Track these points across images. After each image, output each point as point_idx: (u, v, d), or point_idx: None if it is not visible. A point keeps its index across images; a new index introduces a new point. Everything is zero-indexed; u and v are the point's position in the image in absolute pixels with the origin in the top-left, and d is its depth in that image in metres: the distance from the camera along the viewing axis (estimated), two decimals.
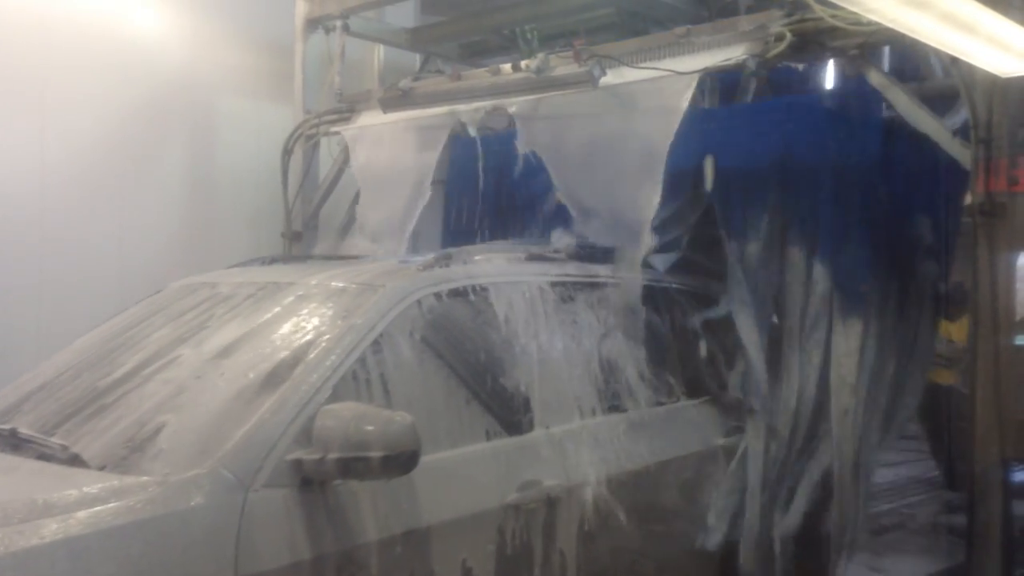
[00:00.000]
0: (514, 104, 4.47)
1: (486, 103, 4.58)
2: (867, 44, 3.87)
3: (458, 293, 3.22)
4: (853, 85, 4.07)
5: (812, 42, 3.92)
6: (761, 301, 4.11)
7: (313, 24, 6.00)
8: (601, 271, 3.84)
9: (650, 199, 3.88)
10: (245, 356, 2.86)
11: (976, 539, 3.62)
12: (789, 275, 4.12)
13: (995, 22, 3.21)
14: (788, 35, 3.87)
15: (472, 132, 4.89)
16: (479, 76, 4.64)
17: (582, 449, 3.29)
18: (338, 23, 5.79)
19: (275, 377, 2.70)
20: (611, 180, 4.03)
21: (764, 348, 4.07)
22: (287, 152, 5.91)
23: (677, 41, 4.17)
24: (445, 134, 4.91)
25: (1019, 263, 3.70)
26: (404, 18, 6.90)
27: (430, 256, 3.37)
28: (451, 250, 3.44)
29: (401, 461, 2.47)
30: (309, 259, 3.84)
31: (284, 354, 2.80)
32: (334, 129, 5.63)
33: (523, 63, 4.36)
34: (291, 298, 3.15)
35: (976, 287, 3.59)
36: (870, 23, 3.67)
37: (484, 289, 3.30)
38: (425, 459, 2.67)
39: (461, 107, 4.73)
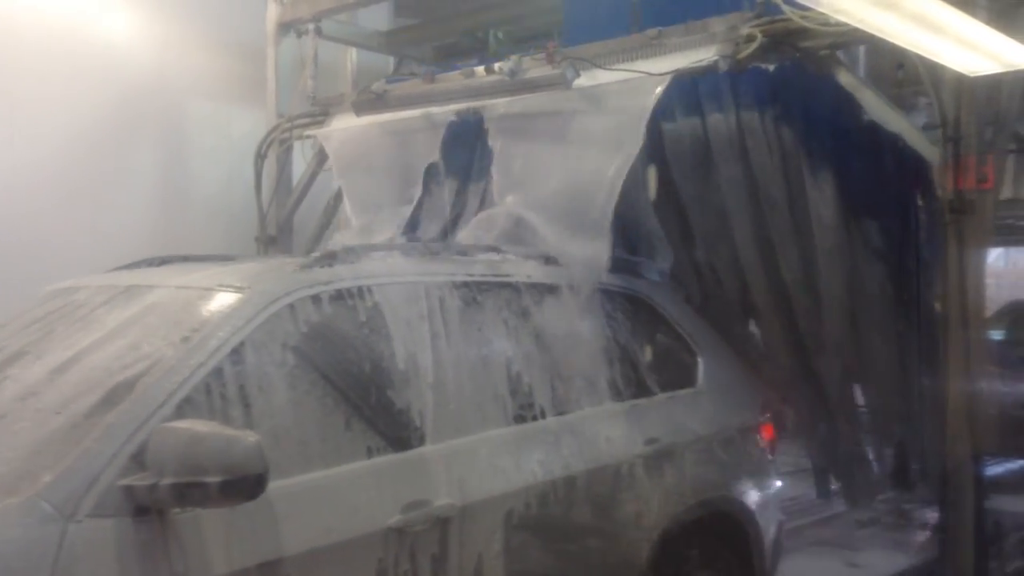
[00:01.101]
0: (487, 106, 4.47)
1: (460, 106, 4.58)
2: (836, 44, 3.91)
3: (341, 295, 2.91)
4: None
5: (782, 43, 3.95)
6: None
7: (285, 28, 5.99)
8: (514, 271, 3.54)
9: (610, 202, 3.88)
10: (82, 371, 2.57)
11: (950, 533, 3.67)
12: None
13: (962, 22, 3.26)
14: (759, 36, 3.90)
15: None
16: (453, 79, 4.65)
17: (481, 464, 3.02)
18: (310, 27, 5.78)
19: (112, 394, 2.42)
20: (578, 182, 4.03)
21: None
22: (260, 156, 5.89)
23: (649, 43, 4.18)
24: (429, 137, 4.85)
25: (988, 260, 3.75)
26: (378, 21, 6.90)
27: (313, 254, 3.07)
28: (340, 247, 3.14)
29: (244, 486, 2.20)
30: (203, 260, 3.52)
31: (126, 367, 2.51)
32: (307, 133, 5.61)
33: (496, 65, 4.37)
34: (147, 303, 2.85)
35: (946, 283, 3.64)
36: (839, 24, 3.71)
37: (372, 291, 2.99)
38: (291, 481, 2.50)
39: (435, 109, 4.72)
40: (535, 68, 4.30)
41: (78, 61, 5.69)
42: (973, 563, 3.65)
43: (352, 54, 6.72)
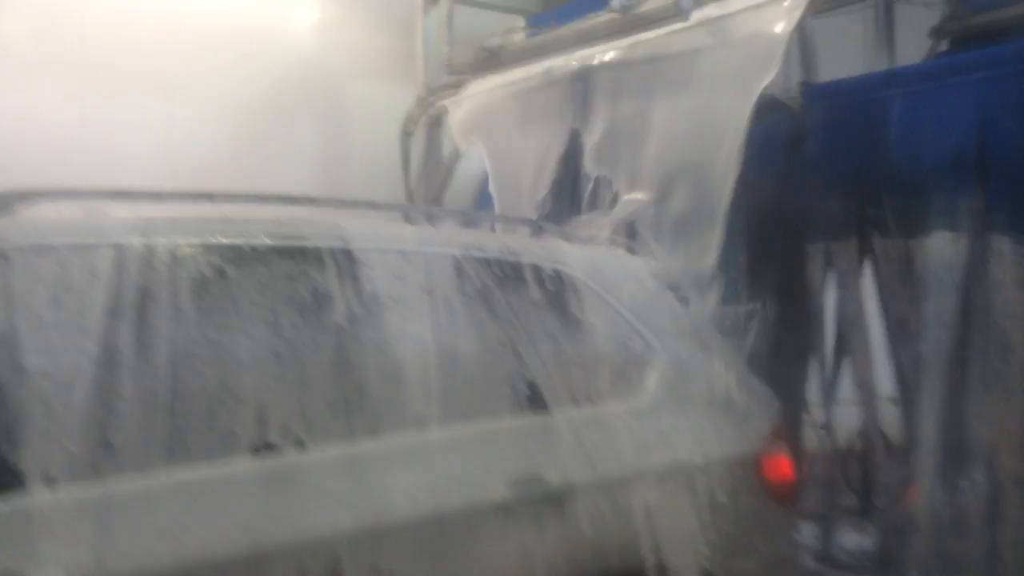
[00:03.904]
0: (605, 53, 3.87)
1: (579, 53, 4.01)
2: None
3: None
4: None
5: None
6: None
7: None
8: (315, 232, 2.43)
9: (732, 157, 3.16)
10: None
11: None
12: (997, 269, 3.38)
13: None
14: None
15: None
16: (571, 26, 4.09)
17: (131, 525, 1.97)
18: None
19: None
20: (693, 134, 3.34)
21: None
22: (406, 132, 5.61)
23: None
24: (549, 96, 4.30)
25: None
26: None
27: None
28: None
29: None
30: None
31: None
32: (448, 103, 5.26)
33: (613, 2, 3.77)
34: None
35: None
36: None
37: None
38: None
39: (556, 63, 4.18)
40: (654, 2, 3.65)
41: (237, 44, 5.70)
42: None
43: (520, 22, 6.31)
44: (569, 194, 4.35)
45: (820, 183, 3.86)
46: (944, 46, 4.82)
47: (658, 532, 2.60)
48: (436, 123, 5.62)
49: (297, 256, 2.36)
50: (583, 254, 2.93)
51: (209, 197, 2.43)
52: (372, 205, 2.76)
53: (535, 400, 2.56)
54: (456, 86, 5.24)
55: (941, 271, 3.56)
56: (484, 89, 4.69)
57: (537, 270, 2.75)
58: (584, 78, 3.97)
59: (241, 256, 2.28)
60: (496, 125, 4.69)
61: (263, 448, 2.15)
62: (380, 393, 2.34)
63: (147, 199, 2.35)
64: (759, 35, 3.26)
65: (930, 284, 3.59)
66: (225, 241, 2.28)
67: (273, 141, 5.90)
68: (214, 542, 2.02)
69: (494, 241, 2.80)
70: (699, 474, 2.70)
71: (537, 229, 3.08)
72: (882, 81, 3.93)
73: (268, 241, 2.34)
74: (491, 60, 4.30)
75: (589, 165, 3.86)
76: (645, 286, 2.99)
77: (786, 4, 3.24)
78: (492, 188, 4.83)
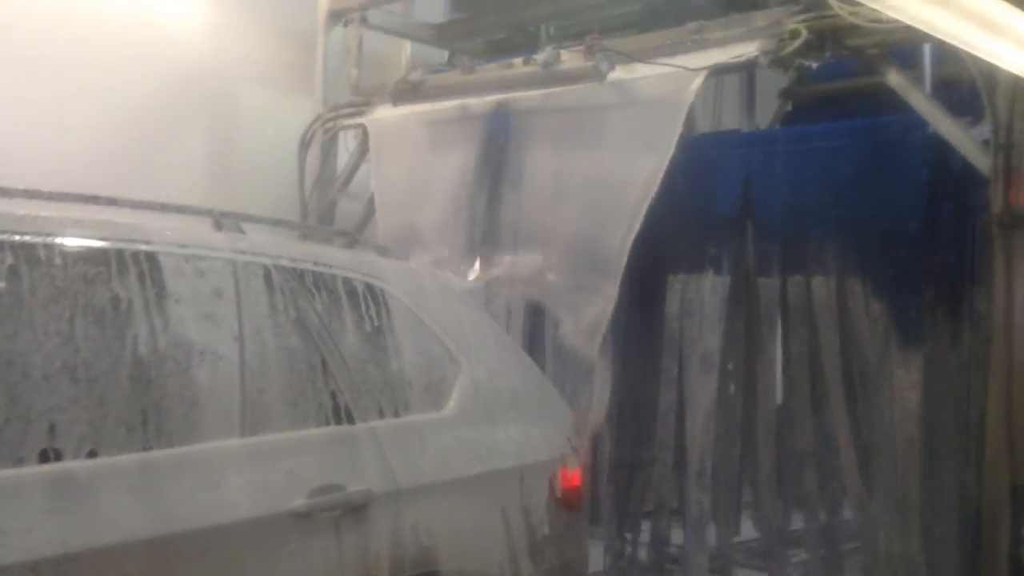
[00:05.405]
0: (518, 101, 4.36)
1: (496, 98, 4.47)
2: (887, 43, 3.69)
3: None
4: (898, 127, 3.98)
5: (829, 40, 3.74)
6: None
7: (336, 16, 5.93)
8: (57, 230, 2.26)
9: (637, 215, 3.75)
10: None
11: (983, 570, 3.41)
12: (854, 307, 4.07)
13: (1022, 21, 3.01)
14: (804, 32, 3.71)
15: None
16: (490, 70, 4.54)
17: None
18: (355, 15, 5.73)
19: None
20: (602, 181, 3.91)
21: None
22: (303, 145, 5.86)
23: (690, 37, 4.02)
24: (463, 129, 4.73)
25: None
26: (434, 14, 6.83)
27: None
28: None
29: None
30: None
31: None
32: (349, 121, 5.56)
33: (534, 57, 4.26)
34: None
35: (992, 302, 3.38)
36: (891, 21, 3.50)
37: None
38: None
39: (471, 101, 4.62)
40: (573, 61, 4.17)
41: (132, 42, 5.71)
42: None
43: (407, 47, 6.67)
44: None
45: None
46: (789, 107, 5.64)
47: (454, 540, 2.71)
48: (333, 139, 5.91)
49: (95, 258, 2.27)
50: (397, 269, 3.06)
51: (3, 191, 2.34)
52: (180, 209, 2.71)
53: (341, 411, 2.62)
54: (360, 105, 5.57)
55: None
56: (396, 115, 5.05)
57: (349, 282, 2.80)
58: (501, 117, 4.45)
59: (34, 256, 2.18)
60: (403, 149, 5.06)
61: (50, 455, 2.07)
62: (178, 402, 2.31)
63: None
64: (664, 99, 3.85)
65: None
66: (16, 239, 2.17)
67: (163, 138, 5.94)
68: None
69: (306, 251, 2.82)
70: (497, 483, 2.89)
71: (352, 242, 3.27)
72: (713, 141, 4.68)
73: (63, 241, 2.24)
74: (412, 92, 4.67)
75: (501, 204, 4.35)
76: (455, 302, 3.15)
77: (689, 73, 3.84)
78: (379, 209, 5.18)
